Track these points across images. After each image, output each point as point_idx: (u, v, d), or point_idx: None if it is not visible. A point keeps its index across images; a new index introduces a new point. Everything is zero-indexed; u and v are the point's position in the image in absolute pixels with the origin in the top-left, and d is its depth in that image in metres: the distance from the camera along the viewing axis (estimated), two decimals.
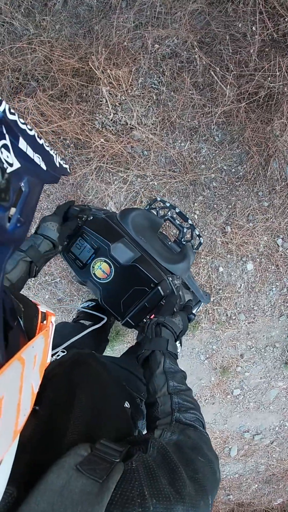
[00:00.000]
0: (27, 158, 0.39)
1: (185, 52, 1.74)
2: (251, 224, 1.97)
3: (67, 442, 0.45)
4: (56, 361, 0.71)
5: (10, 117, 0.35)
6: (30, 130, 0.42)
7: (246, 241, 1.97)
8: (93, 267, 0.97)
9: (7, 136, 0.33)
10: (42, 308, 0.62)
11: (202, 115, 1.84)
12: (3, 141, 0.32)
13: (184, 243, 1.31)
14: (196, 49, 1.69)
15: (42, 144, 0.48)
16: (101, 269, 0.96)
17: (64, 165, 0.67)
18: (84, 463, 0.39)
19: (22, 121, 0.39)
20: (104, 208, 1.49)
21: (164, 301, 0.92)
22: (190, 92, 1.78)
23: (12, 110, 0.35)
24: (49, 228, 0.88)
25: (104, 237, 0.94)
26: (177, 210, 1.35)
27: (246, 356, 2.24)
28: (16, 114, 0.36)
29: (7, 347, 0.36)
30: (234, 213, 1.96)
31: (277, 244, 1.99)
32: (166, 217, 1.34)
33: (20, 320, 0.49)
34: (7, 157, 0.33)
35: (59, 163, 0.62)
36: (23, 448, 0.39)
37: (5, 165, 0.33)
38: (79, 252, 0.97)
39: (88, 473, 0.37)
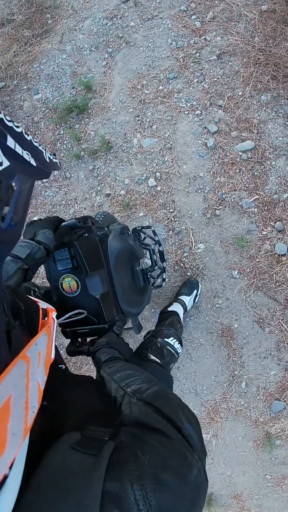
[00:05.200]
0: (16, 156, 0.39)
1: None
2: None
3: (64, 431, 0.49)
4: None
5: None
6: (17, 127, 0.41)
7: None
8: (63, 278, 1.02)
9: None
10: (42, 305, 0.62)
11: None
12: None
13: (149, 277, 1.40)
14: None
15: (30, 140, 0.47)
16: (69, 284, 1.02)
17: (54, 160, 0.66)
18: (77, 443, 0.43)
19: (8, 118, 0.38)
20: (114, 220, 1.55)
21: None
22: None
23: None
24: (47, 236, 0.91)
25: (86, 262, 1.00)
26: (161, 249, 1.47)
27: None
28: (2, 112, 0.36)
29: (11, 346, 0.36)
30: None
31: None
32: (148, 247, 1.44)
33: (21, 318, 0.49)
34: None
35: (49, 158, 0.61)
36: (33, 443, 0.40)
37: None
38: (59, 258, 1.01)
39: (82, 450, 0.41)
